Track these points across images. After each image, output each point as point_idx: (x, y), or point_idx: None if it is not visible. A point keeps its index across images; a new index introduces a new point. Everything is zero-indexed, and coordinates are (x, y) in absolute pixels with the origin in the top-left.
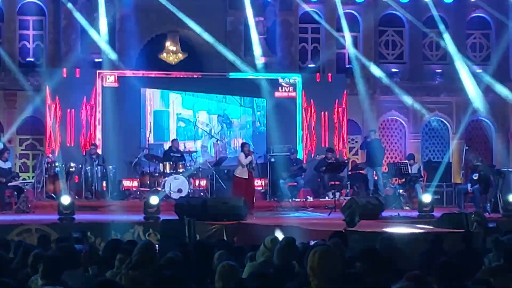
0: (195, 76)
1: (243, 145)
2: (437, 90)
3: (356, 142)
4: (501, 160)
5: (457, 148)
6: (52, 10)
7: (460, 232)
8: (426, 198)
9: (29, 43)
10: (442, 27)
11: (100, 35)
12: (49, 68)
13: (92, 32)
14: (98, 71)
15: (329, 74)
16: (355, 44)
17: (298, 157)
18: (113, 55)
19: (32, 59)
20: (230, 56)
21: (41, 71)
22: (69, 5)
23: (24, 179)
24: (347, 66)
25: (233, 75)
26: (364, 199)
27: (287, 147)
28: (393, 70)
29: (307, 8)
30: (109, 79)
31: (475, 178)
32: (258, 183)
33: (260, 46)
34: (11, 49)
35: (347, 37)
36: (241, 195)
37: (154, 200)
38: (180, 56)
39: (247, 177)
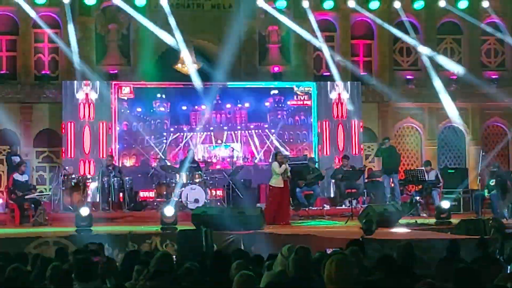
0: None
1: (276, 154)
2: (452, 96)
3: (372, 149)
4: None
5: (473, 154)
6: (66, 22)
7: (478, 238)
8: (444, 204)
9: (44, 55)
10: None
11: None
12: (64, 80)
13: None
14: (113, 82)
15: (344, 82)
16: (370, 51)
17: (316, 166)
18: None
19: (47, 72)
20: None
21: (56, 83)
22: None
23: (41, 191)
24: (362, 73)
25: (248, 84)
26: (381, 207)
27: (303, 155)
28: (408, 77)
29: (321, 16)
30: (125, 90)
31: (492, 184)
32: None
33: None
34: (27, 62)
35: (361, 45)
36: (277, 204)
37: (170, 210)
38: (195, 66)
39: (282, 186)
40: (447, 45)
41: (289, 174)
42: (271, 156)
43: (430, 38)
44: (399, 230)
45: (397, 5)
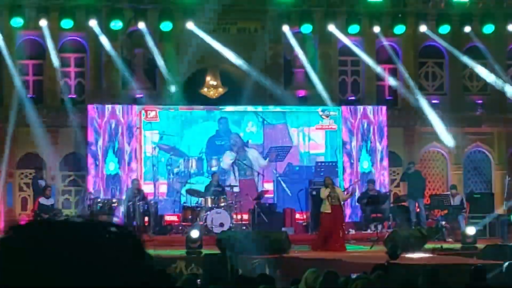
0: (235, 110)
1: (324, 178)
2: (478, 120)
3: (398, 174)
4: None
5: (499, 178)
6: (93, 46)
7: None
8: (470, 230)
9: (70, 80)
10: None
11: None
12: (90, 104)
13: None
14: (139, 106)
15: (370, 106)
16: (395, 76)
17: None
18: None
19: (74, 96)
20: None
21: (82, 107)
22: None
23: (67, 215)
24: (388, 98)
25: (273, 108)
26: (407, 231)
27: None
28: (434, 101)
29: (346, 41)
30: (150, 114)
31: None
32: (300, 216)
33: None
34: (53, 86)
35: (386, 70)
36: (326, 230)
37: (195, 234)
38: (221, 90)
39: (329, 211)
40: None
41: (337, 199)
42: None
43: (456, 62)
44: (425, 255)
45: (423, 28)
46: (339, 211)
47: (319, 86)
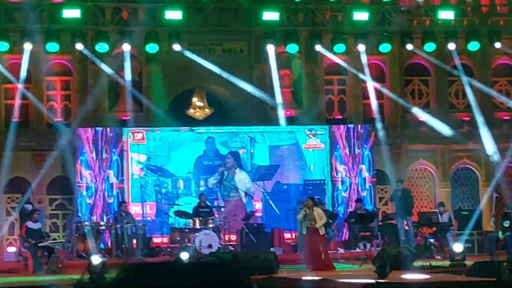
0: (222, 131)
1: (313, 199)
2: (465, 137)
3: (386, 192)
4: None
5: (487, 195)
6: (79, 69)
7: (492, 280)
8: (458, 247)
9: (57, 103)
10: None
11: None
12: (77, 127)
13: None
14: (126, 128)
15: (356, 124)
16: (381, 94)
17: (327, 208)
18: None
19: (60, 119)
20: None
21: (69, 130)
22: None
23: (55, 239)
24: (374, 116)
25: (260, 128)
26: (395, 250)
27: (317, 198)
28: (420, 119)
29: (334, 58)
30: (137, 136)
31: (506, 225)
32: (289, 236)
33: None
34: (39, 109)
35: (373, 88)
36: (306, 251)
37: (184, 256)
38: (207, 111)
39: (305, 233)
40: (458, 87)
41: (313, 221)
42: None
43: (441, 80)
44: (413, 273)
45: (408, 47)
46: (315, 233)
47: (306, 106)
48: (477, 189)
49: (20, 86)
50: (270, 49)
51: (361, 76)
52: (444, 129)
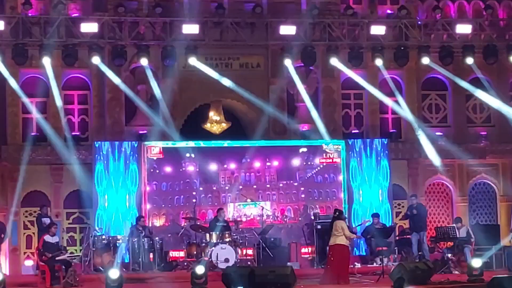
0: (239, 146)
1: (340, 212)
2: (483, 152)
3: (403, 206)
4: None
5: (505, 210)
6: (96, 84)
7: None
8: (476, 262)
9: (74, 117)
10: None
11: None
12: (94, 141)
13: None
14: (143, 143)
15: (373, 139)
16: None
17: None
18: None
19: (77, 133)
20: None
21: (86, 144)
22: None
23: (72, 252)
24: (391, 130)
25: (277, 142)
26: (413, 264)
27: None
28: (437, 133)
29: (350, 73)
30: (154, 150)
31: None
32: (306, 250)
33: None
34: (57, 123)
35: (390, 102)
36: (344, 263)
37: (200, 270)
38: (224, 126)
39: (332, 244)
40: (476, 101)
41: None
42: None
43: (459, 94)
44: None
45: (425, 61)
46: (340, 245)
47: (322, 120)
48: (495, 204)
49: (37, 100)
50: (288, 63)
51: (375, 91)
52: (434, 158)
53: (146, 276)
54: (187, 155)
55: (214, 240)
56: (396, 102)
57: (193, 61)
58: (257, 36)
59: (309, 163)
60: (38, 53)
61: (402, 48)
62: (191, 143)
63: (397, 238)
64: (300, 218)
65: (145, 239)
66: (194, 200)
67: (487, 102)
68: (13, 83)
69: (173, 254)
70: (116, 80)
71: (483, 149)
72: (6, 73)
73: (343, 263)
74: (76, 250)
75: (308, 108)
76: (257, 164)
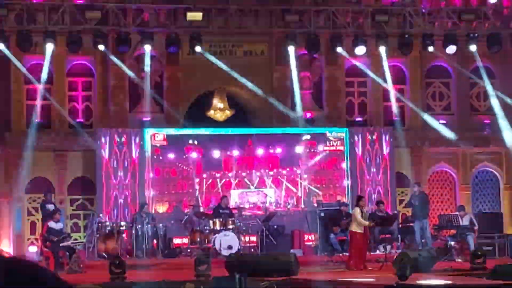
0: (243, 133)
1: (358, 198)
2: (486, 140)
3: (406, 194)
4: None
5: (508, 198)
6: (100, 70)
7: None
8: (478, 249)
9: (78, 104)
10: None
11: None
12: (98, 128)
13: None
14: (146, 129)
15: (377, 127)
16: (402, 96)
17: (348, 210)
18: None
19: (81, 120)
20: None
21: (90, 131)
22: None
23: (76, 239)
24: (395, 119)
25: (280, 130)
26: (416, 252)
27: (337, 201)
28: (441, 121)
29: (354, 61)
30: (158, 137)
31: None
32: (309, 237)
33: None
34: (60, 110)
35: (394, 90)
36: (357, 250)
37: (203, 257)
38: (228, 113)
39: (362, 231)
40: (480, 89)
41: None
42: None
43: (463, 82)
44: (434, 275)
45: (429, 49)
46: (367, 231)
47: (326, 108)
48: (498, 192)
49: (41, 86)
50: (291, 50)
51: (380, 80)
52: (449, 134)
53: (150, 263)
54: (191, 142)
55: (217, 227)
56: (401, 90)
57: (197, 48)
58: (261, 24)
59: (312, 150)
60: (42, 39)
61: (406, 36)
62: (195, 130)
63: (400, 226)
64: (303, 206)
65: (149, 225)
66: (197, 187)
67: (490, 91)
68: (18, 69)
69: (176, 241)
70: (123, 67)
71: (486, 137)
72: (11, 59)
73: (356, 249)
74: (80, 236)
75: (312, 95)
76: (260, 151)
